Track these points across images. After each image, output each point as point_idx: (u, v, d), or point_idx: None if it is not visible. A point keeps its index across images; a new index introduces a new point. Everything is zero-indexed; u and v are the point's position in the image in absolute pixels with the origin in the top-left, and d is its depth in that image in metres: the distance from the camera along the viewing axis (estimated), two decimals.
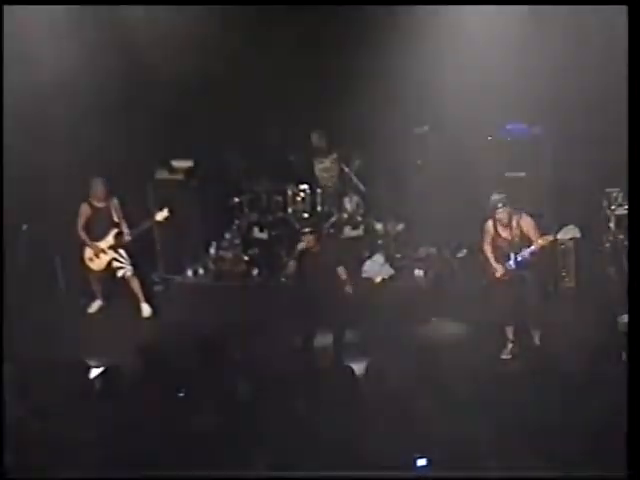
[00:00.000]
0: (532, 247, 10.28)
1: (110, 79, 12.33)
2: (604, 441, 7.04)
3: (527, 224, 10.38)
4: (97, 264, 12.24)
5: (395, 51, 11.81)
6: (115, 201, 12.16)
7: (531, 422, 7.29)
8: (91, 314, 12.48)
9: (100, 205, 12.10)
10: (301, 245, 10.21)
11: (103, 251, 12.15)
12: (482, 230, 10.58)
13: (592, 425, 7.37)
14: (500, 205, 10.27)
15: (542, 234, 10.40)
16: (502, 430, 7.39)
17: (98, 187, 12.03)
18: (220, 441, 7.57)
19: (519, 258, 10.27)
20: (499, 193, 10.43)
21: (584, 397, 7.80)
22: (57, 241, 12.56)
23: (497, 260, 10.51)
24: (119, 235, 12.14)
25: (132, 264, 12.22)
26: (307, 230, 10.28)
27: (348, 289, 10.49)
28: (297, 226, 12.12)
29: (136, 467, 7.49)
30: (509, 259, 10.40)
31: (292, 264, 10.36)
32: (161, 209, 12.15)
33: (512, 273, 10.39)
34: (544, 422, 7.37)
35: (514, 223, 10.34)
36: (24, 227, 11.94)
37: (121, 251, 12.17)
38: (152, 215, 12.20)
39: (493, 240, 10.52)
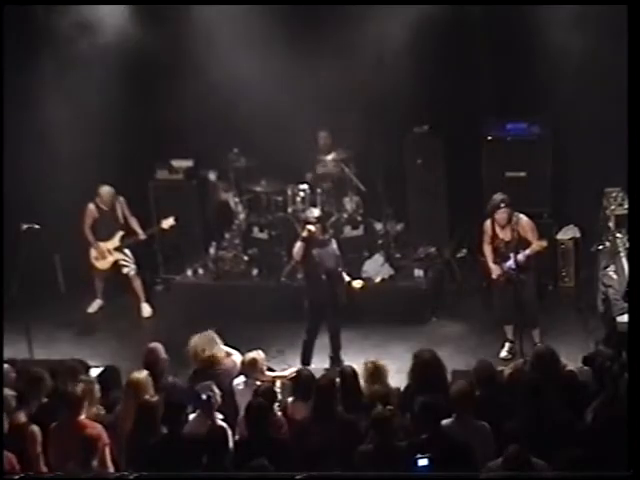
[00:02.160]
0: (527, 251, 10.28)
1: (110, 80, 12.36)
2: (604, 441, 7.04)
3: (525, 226, 10.37)
4: (102, 264, 12.31)
5: None
6: (121, 200, 12.20)
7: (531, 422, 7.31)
8: (91, 314, 12.50)
9: (106, 208, 12.15)
10: (310, 227, 10.25)
11: (109, 252, 12.22)
12: (481, 230, 10.61)
13: (592, 425, 7.38)
14: (502, 205, 10.28)
15: (540, 237, 10.40)
16: (502, 430, 7.41)
17: (105, 194, 12.08)
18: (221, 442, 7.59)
19: (514, 261, 10.25)
20: (501, 193, 10.45)
21: (584, 397, 7.81)
22: (57, 241, 12.56)
23: (494, 260, 10.52)
24: (125, 237, 12.19)
25: (135, 263, 12.28)
26: (314, 219, 10.34)
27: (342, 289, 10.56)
28: (297, 226, 12.10)
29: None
30: (505, 260, 10.40)
31: (300, 245, 10.37)
32: (166, 217, 12.21)
33: (510, 273, 10.39)
34: (544, 422, 7.38)
35: (512, 225, 10.34)
36: (24, 227, 11.93)
37: (126, 250, 12.24)
38: (158, 220, 12.31)
39: (491, 240, 10.54)
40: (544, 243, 10.36)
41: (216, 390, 7.94)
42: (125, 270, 12.27)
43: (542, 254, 10.55)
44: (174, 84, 12.22)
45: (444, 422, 7.45)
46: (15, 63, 12.18)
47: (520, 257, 10.25)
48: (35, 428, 7.86)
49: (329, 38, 11.82)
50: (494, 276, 10.51)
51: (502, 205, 10.29)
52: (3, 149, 12.21)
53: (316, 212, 10.61)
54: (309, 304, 10.44)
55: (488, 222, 10.52)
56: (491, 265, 10.54)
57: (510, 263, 10.34)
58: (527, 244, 10.32)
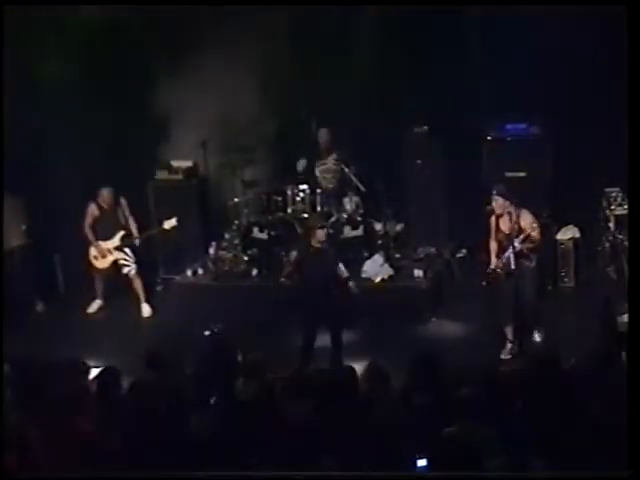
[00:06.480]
0: (521, 236, 10.26)
1: (109, 79, 12.37)
2: (604, 441, 7.04)
3: (525, 216, 10.38)
4: (101, 263, 12.32)
5: None
6: (123, 202, 12.20)
7: (531, 421, 7.31)
8: (91, 314, 12.50)
9: (108, 208, 12.15)
10: (317, 238, 10.21)
11: (109, 251, 12.23)
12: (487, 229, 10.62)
13: (592, 425, 7.37)
14: (494, 192, 10.29)
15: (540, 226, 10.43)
16: (503, 430, 7.41)
17: (105, 195, 12.08)
18: (221, 443, 7.57)
19: (512, 250, 10.27)
20: (498, 182, 10.47)
21: (584, 397, 7.80)
22: (57, 241, 12.59)
23: (497, 255, 10.53)
24: (126, 237, 12.19)
25: (136, 262, 12.29)
26: (319, 225, 10.33)
27: (352, 286, 10.51)
28: (297, 226, 12.12)
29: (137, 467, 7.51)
30: (504, 252, 10.40)
31: (294, 254, 10.42)
32: (166, 217, 12.20)
33: (509, 269, 10.37)
34: (544, 422, 7.38)
35: (514, 218, 10.35)
36: (24, 227, 11.97)
37: (127, 249, 12.24)
38: (160, 222, 12.29)
39: (495, 235, 10.55)
40: (535, 224, 10.35)
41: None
42: (125, 270, 12.28)
43: (541, 248, 10.52)
44: (173, 83, 12.23)
45: (450, 429, 7.44)
46: (15, 63, 12.21)
47: (516, 244, 10.24)
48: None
49: (324, 37, 11.84)
50: (493, 267, 10.48)
51: (494, 192, 10.30)
52: (3, 149, 12.21)
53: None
54: (306, 309, 10.45)
55: (493, 217, 10.53)
56: (493, 259, 10.54)
57: (508, 253, 10.33)
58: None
